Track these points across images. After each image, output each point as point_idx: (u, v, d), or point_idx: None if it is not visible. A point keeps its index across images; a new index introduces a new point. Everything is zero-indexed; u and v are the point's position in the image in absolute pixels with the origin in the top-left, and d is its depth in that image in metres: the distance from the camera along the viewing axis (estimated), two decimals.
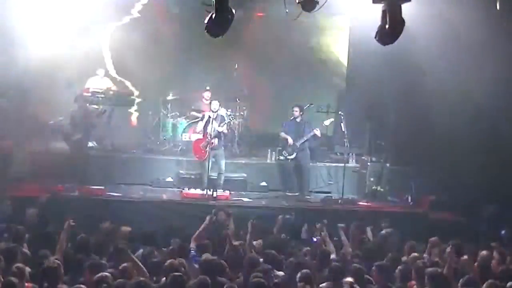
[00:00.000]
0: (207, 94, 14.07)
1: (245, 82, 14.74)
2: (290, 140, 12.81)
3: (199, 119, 13.15)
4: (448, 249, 7.92)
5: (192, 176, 12.77)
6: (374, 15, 8.58)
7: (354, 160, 13.95)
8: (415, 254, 8.15)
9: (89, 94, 13.44)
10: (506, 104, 12.72)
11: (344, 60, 16.36)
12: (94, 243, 7.90)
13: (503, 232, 9.13)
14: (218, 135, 12.22)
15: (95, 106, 13.38)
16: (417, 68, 13.43)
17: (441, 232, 9.67)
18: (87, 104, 12.61)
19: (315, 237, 8.60)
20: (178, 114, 14.21)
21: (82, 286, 6.14)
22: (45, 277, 6.33)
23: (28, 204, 9.05)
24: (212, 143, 12.10)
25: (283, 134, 13.04)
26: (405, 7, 8.20)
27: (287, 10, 10.33)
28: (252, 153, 14.32)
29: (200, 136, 12.58)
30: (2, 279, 6.27)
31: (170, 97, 14.33)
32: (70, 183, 11.64)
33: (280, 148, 13.13)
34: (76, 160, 12.30)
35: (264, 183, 13.09)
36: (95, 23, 14.51)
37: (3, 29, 12.94)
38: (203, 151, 12.16)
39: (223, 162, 12.31)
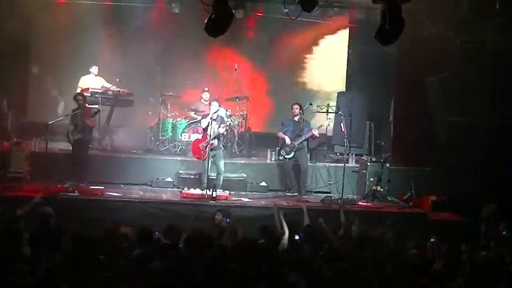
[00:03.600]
0: (206, 95, 14.07)
1: (245, 82, 14.72)
2: (288, 140, 12.80)
3: (199, 119, 13.14)
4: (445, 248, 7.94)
5: (192, 176, 12.76)
6: (374, 15, 8.59)
7: (354, 160, 13.96)
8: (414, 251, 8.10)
9: (89, 94, 13.44)
10: (506, 104, 12.73)
11: (344, 60, 16.37)
12: (94, 243, 7.86)
13: (504, 232, 9.12)
14: (218, 136, 12.20)
15: (96, 106, 13.36)
16: (417, 68, 13.45)
17: (441, 232, 9.65)
18: (86, 104, 12.58)
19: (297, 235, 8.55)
20: (177, 114, 14.20)
21: None
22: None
23: (24, 204, 9.03)
24: (212, 143, 12.09)
25: (280, 134, 13.03)
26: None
27: (287, 10, 10.35)
28: (252, 153, 14.32)
29: (200, 136, 12.58)
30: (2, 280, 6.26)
31: (169, 97, 14.32)
32: (70, 183, 11.62)
33: (279, 148, 13.11)
34: (76, 160, 12.27)
35: (263, 183, 13.08)
36: (93, 22, 14.60)
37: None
38: (202, 152, 12.14)
39: (222, 163, 12.30)
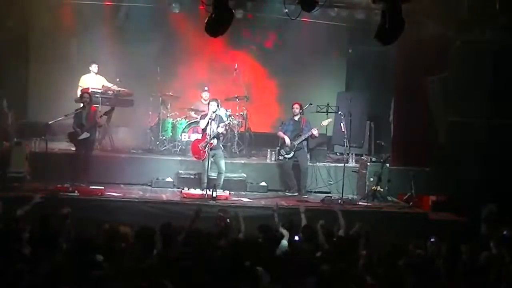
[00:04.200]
0: (205, 95, 14.07)
1: (245, 82, 14.72)
2: (287, 140, 12.80)
3: (199, 119, 13.13)
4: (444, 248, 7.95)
5: (192, 176, 12.75)
6: (374, 15, 8.58)
7: (354, 160, 13.95)
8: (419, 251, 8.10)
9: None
10: (506, 104, 12.73)
11: (344, 59, 16.37)
12: (94, 243, 7.86)
13: (505, 232, 9.10)
14: (217, 135, 12.19)
15: (96, 106, 13.36)
16: (417, 68, 13.45)
17: (441, 232, 9.64)
18: (91, 99, 12.58)
19: (297, 236, 8.53)
20: (177, 114, 14.21)
21: None
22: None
23: (24, 204, 9.03)
24: (211, 143, 12.08)
25: (280, 134, 13.03)
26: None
27: (286, 10, 10.36)
28: (252, 153, 14.32)
29: (199, 136, 12.57)
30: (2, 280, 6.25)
31: (169, 97, 14.32)
32: (70, 183, 11.61)
33: (279, 148, 13.11)
34: (82, 160, 12.23)
35: (263, 183, 13.09)
36: (93, 22, 14.62)
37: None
38: (201, 151, 12.14)
39: (222, 162, 12.30)
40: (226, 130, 12.85)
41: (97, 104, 13.36)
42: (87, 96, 12.41)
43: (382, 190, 12.73)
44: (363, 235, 8.44)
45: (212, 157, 12.19)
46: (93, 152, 12.57)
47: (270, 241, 7.96)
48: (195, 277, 6.50)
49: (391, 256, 7.54)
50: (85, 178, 11.99)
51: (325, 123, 13.20)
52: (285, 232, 8.38)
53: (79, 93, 13.83)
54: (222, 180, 12.27)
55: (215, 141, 12.15)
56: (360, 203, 12.36)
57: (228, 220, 9.36)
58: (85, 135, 12.11)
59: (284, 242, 8.02)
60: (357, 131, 14.07)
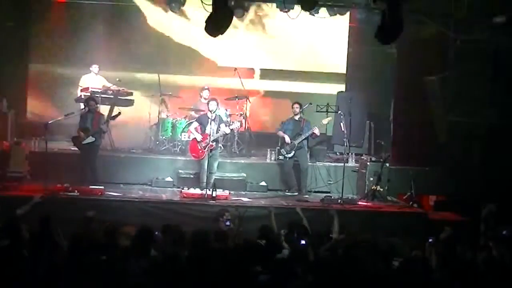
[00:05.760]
0: (205, 93, 14.06)
1: (244, 82, 14.71)
2: (287, 139, 12.80)
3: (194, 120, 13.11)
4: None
5: (191, 176, 12.75)
6: (374, 15, 8.60)
7: (353, 160, 13.95)
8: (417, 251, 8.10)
9: (89, 94, 13.42)
10: (506, 104, 12.74)
11: (344, 59, 16.36)
12: (94, 243, 7.86)
13: (504, 232, 9.12)
14: (217, 137, 12.15)
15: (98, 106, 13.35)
16: (417, 68, 13.46)
17: (441, 232, 9.64)
18: (97, 105, 12.52)
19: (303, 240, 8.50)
20: (177, 113, 14.20)
21: None
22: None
23: (24, 204, 9.03)
24: (212, 144, 12.05)
25: (280, 133, 13.03)
26: None
27: (286, 10, 10.39)
28: (252, 153, 14.31)
29: (199, 135, 12.54)
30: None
31: (169, 97, 14.32)
32: (70, 183, 11.60)
33: (279, 147, 13.11)
34: (87, 164, 12.20)
35: (263, 183, 13.08)
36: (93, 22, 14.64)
37: None
38: (200, 151, 12.12)
39: (216, 164, 12.23)
40: (231, 130, 12.73)
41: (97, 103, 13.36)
42: (93, 104, 12.31)
43: (382, 190, 12.71)
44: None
45: (210, 157, 12.14)
46: (97, 156, 12.48)
47: (271, 246, 7.94)
48: (196, 278, 6.50)
49: (388, 257, 7.55)
50: (93, 181, 11.92)
51: (325, 121, 13.21)
52: (285, 245, 8.30)
53: (79, 93, 13.86)
54: (212, 179, 12.14)
55: (214, 142, 12.11)
56: (360, 203, 12.35)
57: (228, 223, 9.36)
58: (89, 139, 12.05)
59: (285, 251, 7.96)
60: (357, 131, 14.04)
